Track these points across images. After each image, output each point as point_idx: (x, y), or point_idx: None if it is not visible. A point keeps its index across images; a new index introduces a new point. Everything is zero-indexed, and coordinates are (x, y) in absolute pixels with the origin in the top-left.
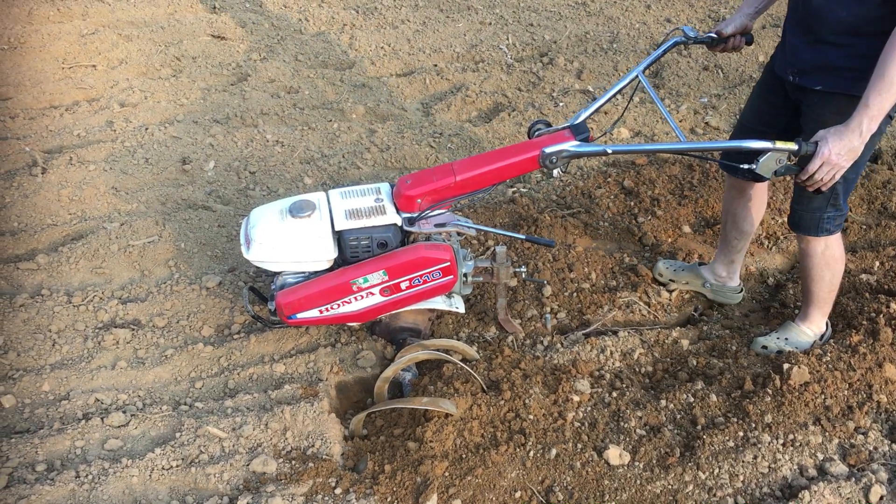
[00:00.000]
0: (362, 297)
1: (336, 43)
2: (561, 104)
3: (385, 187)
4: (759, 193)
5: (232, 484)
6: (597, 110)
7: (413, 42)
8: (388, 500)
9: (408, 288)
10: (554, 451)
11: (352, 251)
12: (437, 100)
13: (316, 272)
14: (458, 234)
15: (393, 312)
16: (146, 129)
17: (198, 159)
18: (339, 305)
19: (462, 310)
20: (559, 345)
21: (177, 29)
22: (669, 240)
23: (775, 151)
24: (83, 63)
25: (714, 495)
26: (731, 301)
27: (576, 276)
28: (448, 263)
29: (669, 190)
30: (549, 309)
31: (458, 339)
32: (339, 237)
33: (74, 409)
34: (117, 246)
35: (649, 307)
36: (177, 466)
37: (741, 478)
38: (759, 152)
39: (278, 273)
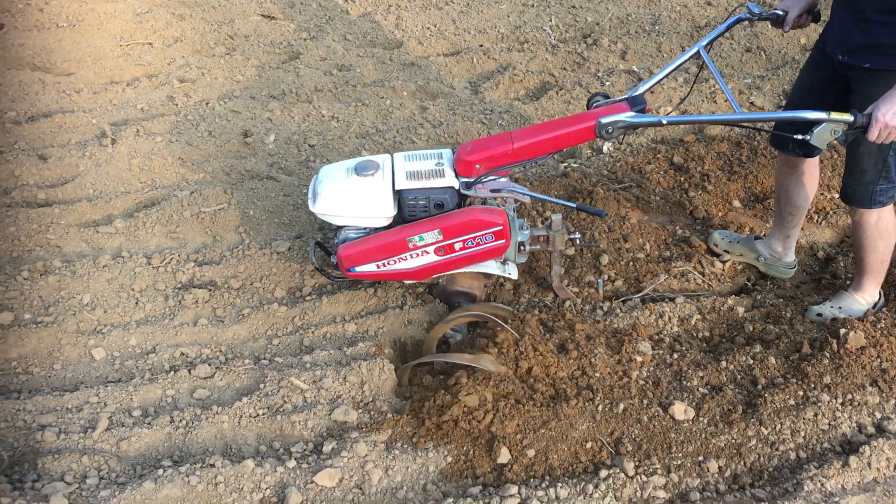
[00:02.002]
0: (417, 254)
1: (383, 23)
2: (607, 83)
3: (447, 153)
4: (811, 169)
5: (316, 431)
6: (656, 84)
7: (458, 23)
8: (464, 449)
9: (461, 249)
10: (622, 406)
11: (409, 210)
12: (484, 79)
13: (376, 229)
14: (515, 202)
15: (449, 276)
16: (206, 103)
17: (258, 133)
18: (395, 262)
19: (515, 276)
20: (618, 310)
21: (227, 9)
22: (720, 214)
23: (830, 122)
24: (140, 41)
25: (776, 449)
26: (784, 276)
27: (631, 246)
28: (500, 227)
29: (718, 166)
30: (605, 276)
31: (518, 305)
32: (399, 196)
33: (162, 362)
34: (189, 212)
35: (703, 276)
36: (263, 414)
37: (802, 433)
38: (814, 123)
39: (341, 228)
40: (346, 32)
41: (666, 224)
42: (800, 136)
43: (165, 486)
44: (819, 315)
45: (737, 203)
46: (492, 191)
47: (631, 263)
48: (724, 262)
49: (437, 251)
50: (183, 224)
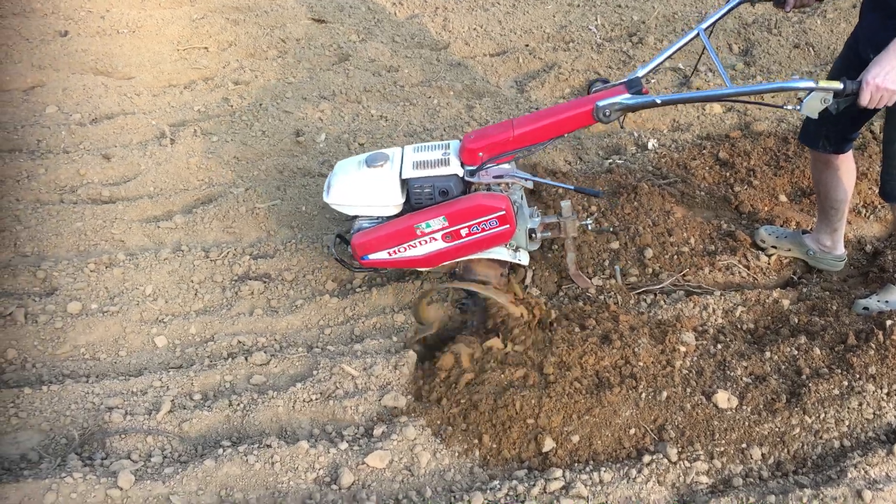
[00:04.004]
0: (426, 241)
1: (430, 25)
2: (653, 80)
3: (454, 143)
4: (846, 164)
5: (367, 416)
6: (656, 67)
7: (504, 23)
8: (507, 440)
9: (467, 235)
10: (665, 394)
11: (416, 198)
12: (530, 78)
13: (387, 218)
14: (522, 188)
15: (465, 265)
16: (260, 104)
17: (309, 132)
18: (405, 249)
19: (526, 262)
20: (662, 302)
21: (279, 13)
22: (766, 208)
23: (819, 91)
24: (196, 45)
25: (820, 437)
26: (833, 269)
27: (675, 240)
28: (503, 212)
29: (765, 161)
30: (650, 270)
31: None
32: (406, 185)
33: (220, 350)
34: (245, 208)
35: (748, 270)
36: (316, 399)
37: (846, 423)
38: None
39: (356, 218)
40: (393, 34)
41: (711, 219)
42: (790, 107)
43: (225, 465)
44: (865, 308)
45: (783, 198)
46: (494, 177)
47: (675, 257)
48: (769, 256)
49: (444, 237)
50: (238, 219)
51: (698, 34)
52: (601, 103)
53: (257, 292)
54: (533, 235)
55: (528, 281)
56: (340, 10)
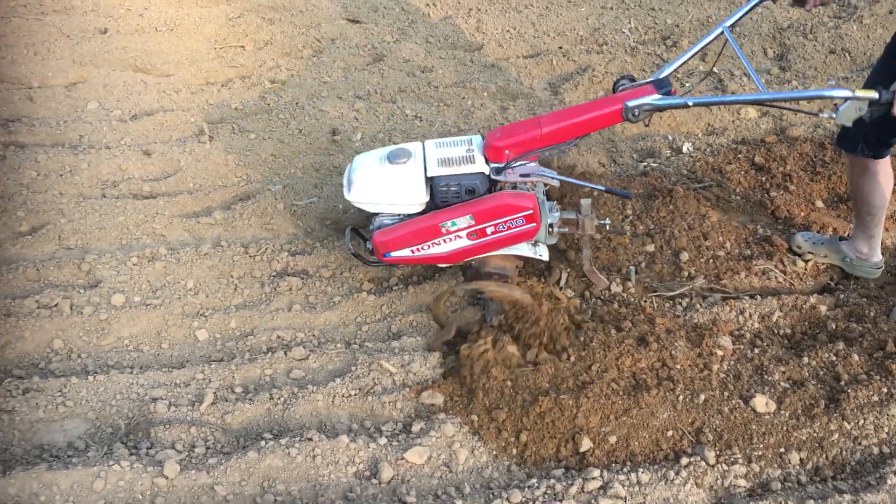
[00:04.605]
0: (450, 239)
1: (463, 26)
2: (687, 84)
3: (477, 139)
4: (884, 168)
5: (405, 412)
6: (681, 65)
7: (537, 25)
8: (544, 439)
9: (493, 233)
10: (702, 397)
11: (441, 196)
12: (563, 80)
13: (409, 215)
14: (545, 185)
15: (481, 258)
16: (296, 103)
17: (345, 131)
18: (429, 246)
19: (546, 258)
20: (698, 305)
21: (314, 13)
22: (802, 214)
23: (855, 100)
24: (232, 44)
25: (859, 444)
26: (870, 276)
27: (711, 244)
28: (531, 211)
29: (801, 167)
30: (686, 273)
31: (593, 298)
32: (431, 183)
33: (260, 344)
34: (282, 205)
35: (785, 275)
36: (355, 395)
37: (885, 429)
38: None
39: (376, 215)
40: (427, 35)
41: (747, 223)
42: (825, 115)
43: (268, 457)
44: None
45: (819, 203)
46: (521, 175)
47: (711, 261)
48: (806, 261)
49: (469, 235)
50: (276, 216)
51: (723, 32)
52: (631, 103)
53: (295, 288)
54: (551, 230)
55: (562, 282)
56: (375, 11)
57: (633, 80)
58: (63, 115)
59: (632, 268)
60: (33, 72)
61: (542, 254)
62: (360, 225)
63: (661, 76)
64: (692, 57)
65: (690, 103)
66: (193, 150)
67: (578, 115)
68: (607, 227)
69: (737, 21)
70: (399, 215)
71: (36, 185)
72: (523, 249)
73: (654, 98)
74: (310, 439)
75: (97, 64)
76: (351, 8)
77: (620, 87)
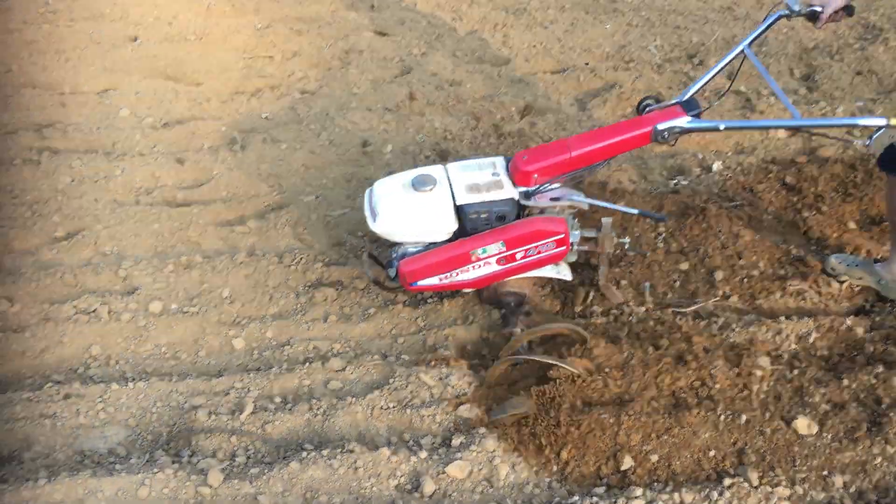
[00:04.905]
0: (479, 266)
1: (490, 41)
2: (715, 103)
3: (500, 161)
4: None
5: (444, 426)
6: (705, 85)
7: (563, 42)
8: (585, 456)
9: (522, 258)
10: (744, 418)
11: (471, 224)
12: (590, 96)
13: (434, 242)
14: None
15: (501, 282)
16: (326, 114)
17: (375, 143)
18: (457, 274)
19: (569, 277)
20: (734, 325)
21: (341, 25)
22: (835, 235)
23: (889, 128)
24: (261, 54)
25: None
26: None
27: (745, 263)
28: (563, 235)
29: (832, 187)
30: (721, 293)
31: (631, 317)
32: (460, 210)
33: (296, 354)
34: (315, 216)
35: (820, 296)
36: (393, 407)
37: None
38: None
39: (398, 242)
40: (454, 49)
41: (779, 243)
42: (859, 142)
43: (310, 468)
44: None
45: (852, 225)
46: (552, 199)
47: (745, 280)
48: (841, 283)
49: (498, 261)
50: (310, 226)
51: (743, 51)
52: (661, 126)
53: (330, 299)
54: (572, 248)
55: (589, 300)
56: (402, 24)
57: (658, 100)
58: (95, 121)
59: (646, 284)
60: (65, 78)
61: (566, 274)
62: (375, 249)
63: (687, 97)
64: (714, 76)
65: (722, 127)
66: (226, 158)
67: (607, 137)
68: (626, 247)
69: (756, 39)
70: (423, 242)
71: (71, 191)
72: (546, 271)
73: (684, 121)
74: (351, 451)
75: (128, 71)
76: (378, 20)
77: (646, 108)
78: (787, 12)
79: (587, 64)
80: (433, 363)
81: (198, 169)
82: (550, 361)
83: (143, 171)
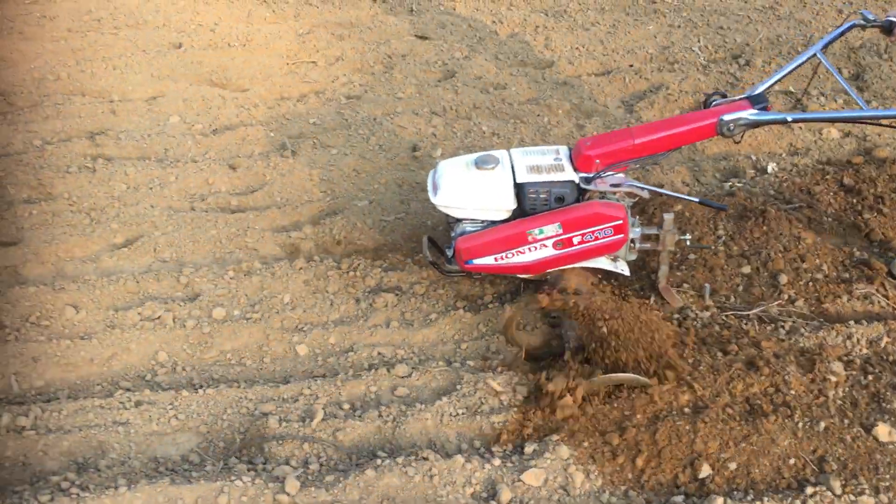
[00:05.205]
0: (535, 248)
1: (532, 43)
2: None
3: (563, 149)
4: None
5: (514, 433)
6: (776, 83)
7: (606, 44)
8: (661, 464)
9: (579, 243)
10: (822, 425)
11: (530, 203)
12: (637, 98)
13: (493, 221)
14: (632, 197)
15: (557, 275)
16: (374, 119)
17: (425, 147)
18: (513, 255)
19: (627, 273)
20: (802, 329)
21: (382, 29)
22: None
23: None
24: (304, 59)
25: None
26: None
27: (808, 266)
28: (621, 221)
29: (892, 189)
30: (786, 296)
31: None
32: (520, 189)
33: (361, 360)
34: (371, 221)
35: (888, 300)
36: (462, 414)
37: None
38: None
39: (458, 221)
40: (497, 52)
41: (841, 246)
42: None
43: (386, 475)
44: None
45: None
46: (612, 185)
47: (810, 284)
48: None
49: (555, 245)
50: (365, 232)
51: (815, 55)
52: (726, 117)
53: (391, 304)
54: (632, 245)
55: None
56: (442, 28)
57: (724, 95)
58: (146, 128)
59: (706, 286)
60: (113, 85)
61: (623, 269)
62: (436, 236)
63: (756, 92)
64: (786, 76)
65: (790, 119)
66: (277, 164)
67: (672, 127)
68: (688, 243)
69: (829, 44)
70: (483, 222)
71: (127, 198)
72: (603, 263)
73: (750, 113)
74: (426, 458)
75: (175, 78)
76: (418, 24)
77: (713, 103)
78: (862, 21)
79: (631, 66)
80: (500, 369)
81: (250, 175)
82: (627, 381)
83: (197, 177)
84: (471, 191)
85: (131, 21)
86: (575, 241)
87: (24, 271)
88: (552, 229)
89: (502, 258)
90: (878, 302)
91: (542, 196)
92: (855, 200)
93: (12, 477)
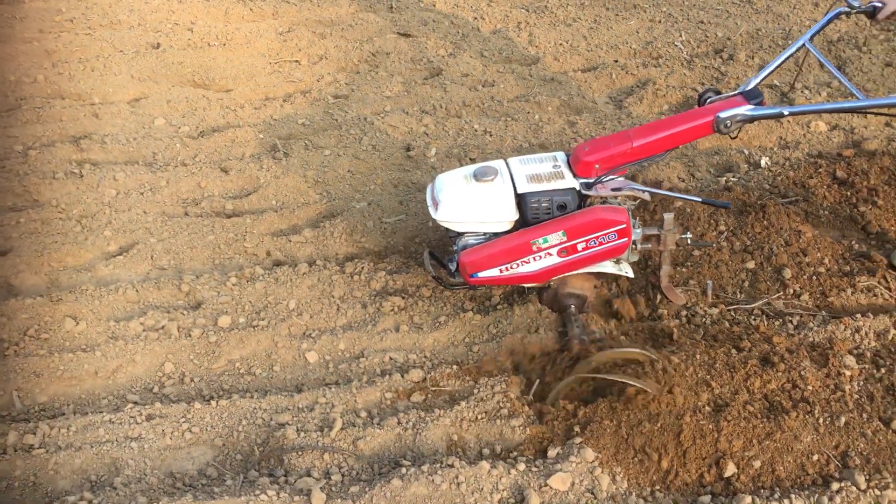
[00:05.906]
0: (540, 257)
1: (516, 39)
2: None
3: (560, 155)
4: None
5: (535, 436)
6: (767, 76)
7: (589, 39)
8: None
9: (584, 249)
10: (843, 419)
11: (532, 213)
12: (624, 94)
13: (496, 233)
14: (634, 200)
15: (560, 280)
16: (364, 118)
17: (418, 146)
18: (518, 265)
19: (631, 274)
20: (810, 324)
21: (364, 27)
22: (895, 228)
23: None
24: (287, 58)
25: None
26: None
27: (811, 260)
28: (624, 225)
29: (884, 180)
30: (791, 291)
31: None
32: (521, 199)
33: (373, 366)
34: (371, 223)
35: (890, 291)
36: (481, 419)
37: None
38: None
39: (459, 235)
40: (481, 49)
41: (839, 239)
42: None
43: (412, 484)
44: None
45: None
46: (613, 189)
47: (814, 278)
48: None
49: (559, 253)
50: (367, 234)
51: (804, 46)
52: (723, 114)
53: (398, 308)
54: (634, 247)
55: (656, 303)
56: (424, 25)
57: (718, 92)
58: (131, 131)
59: (708, 282)
60: (93, 88)
61: (627, 271)
62: (436, 247)
63: (750, 87)
64: (776, 69)
65: (786, 112)
66: (270, 166)
67: (669, 127)
68: (689, 242)
69: (816, 33)
70: (485, 235)
71: (118, 204)
72: (607, 267)
73: (746, 109)
74: (451, 466)
75: (156, 79)
76: (400, 22)
77: (707, 100)
78: (846, 9)
79: (616, 61)
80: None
81: (243, 178)
82: (629, 382)
83: (189, 181)
84: (472, 204)
85: (105, 21)
86: (579, 247)
87: (17, 282)
88: (556, 238)
89: (507, 269)
90: (882, 294)
91: (544, 205)
92: (849, 193)
93: (24, 498)
